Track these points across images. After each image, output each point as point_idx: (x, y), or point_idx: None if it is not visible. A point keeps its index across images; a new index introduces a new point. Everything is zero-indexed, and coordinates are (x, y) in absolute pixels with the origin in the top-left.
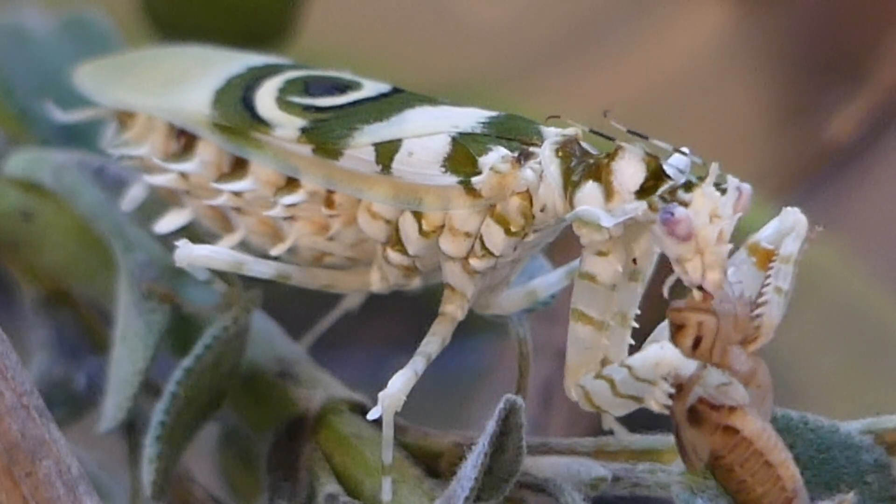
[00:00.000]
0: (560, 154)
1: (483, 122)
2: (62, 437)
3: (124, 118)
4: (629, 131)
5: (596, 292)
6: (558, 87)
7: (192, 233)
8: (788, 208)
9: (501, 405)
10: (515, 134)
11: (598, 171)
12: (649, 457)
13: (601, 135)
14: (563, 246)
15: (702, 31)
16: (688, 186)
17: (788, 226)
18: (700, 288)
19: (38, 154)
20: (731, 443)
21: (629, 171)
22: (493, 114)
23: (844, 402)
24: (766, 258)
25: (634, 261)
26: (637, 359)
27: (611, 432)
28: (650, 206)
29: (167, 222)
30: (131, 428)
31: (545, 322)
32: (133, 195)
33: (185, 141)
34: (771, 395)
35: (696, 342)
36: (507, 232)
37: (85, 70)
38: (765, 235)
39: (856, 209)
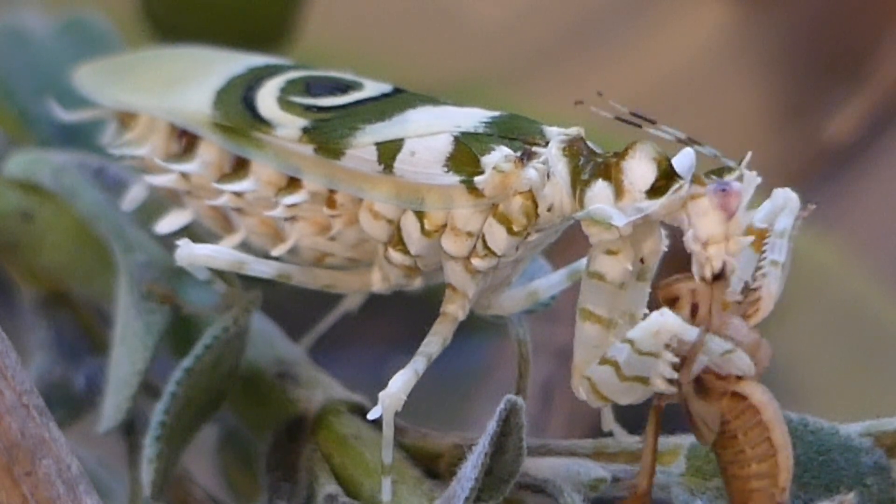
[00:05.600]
0: (567, 153)
1: (485, 122)
2: (62, 436)
3: (126, 119)
4: (632, 113)
5: (604, 291)
6: (558, 87)
7: (192, 233)
8: (778, 189)
9: (502, 406)
10: (518, 134)
11: (607, 169)
12: None
13: (639, 119)
14: (564, 247)
15: (701, 31)
16: (718, 172)
17: (780, 205)
18: (716, 277)
19: (37, 155)
20: (738, 408)
21: (640, 169)
22: (496, 114)
23: (844, 402)
24: (760, 237)
25: (642, 260)
26: (638, 330)
27: (610, 434)
28: (696, 181)
29: (168, 223)
30: (130, 428)
31: (545, 322)
32: (133, 195)
33: (186, 141)
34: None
35: (693, 311)
36: (510, 232)
37: (85, 71)
38: (758, 217)
39: (856, 209)
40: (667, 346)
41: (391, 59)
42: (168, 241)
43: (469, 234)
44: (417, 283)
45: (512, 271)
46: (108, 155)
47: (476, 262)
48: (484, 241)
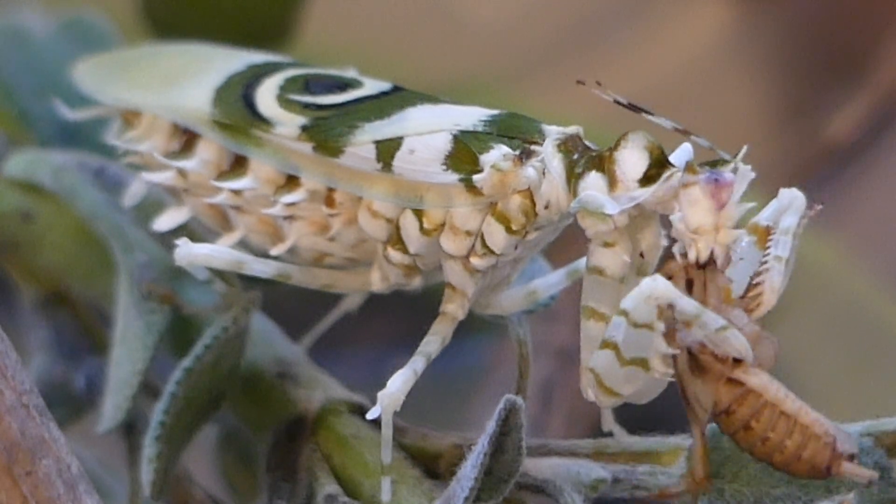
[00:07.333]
0: (562, 149)
1: (485, 121)
2: (62, 436)
3: (130, 117)
4: (630, 104)
5: (605, 286)
6: (558, 87)
7: (191, 232)
8: (785, 189)
9: (501, 405)
10: (517, 132)
11: (600, 162)
12: (649, 459)
13: (637, 108)
14: (564, 247)
15: (702, 31)
16: (713, 164)
17: (786, 204)
18: (702, 266)
19: (37, 155)
20: (736, 393)
21: (632, 159)
22: (495, 112)
23: (844, 402)
24: (765, 235)
25: (642, 255)
26: (630, 298)
27: (610, 434)
28: (689, 170)
29: (166, 220)
30: (130, 429)
31: (545, 322)
32: (134, 191)
33: (185, 139)
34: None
35: (689, 289)
36: (508, 230)
37: (84, 67)
38: (764, 216)
39: (856, 209)
40: (660, 317)
41: (391, 59)
42: (168, 241)
43: (468, 232)
44: (416, 283)
45: (511, 270)
46: (108, 154)
47: (475, 261)
48: (483, 240)
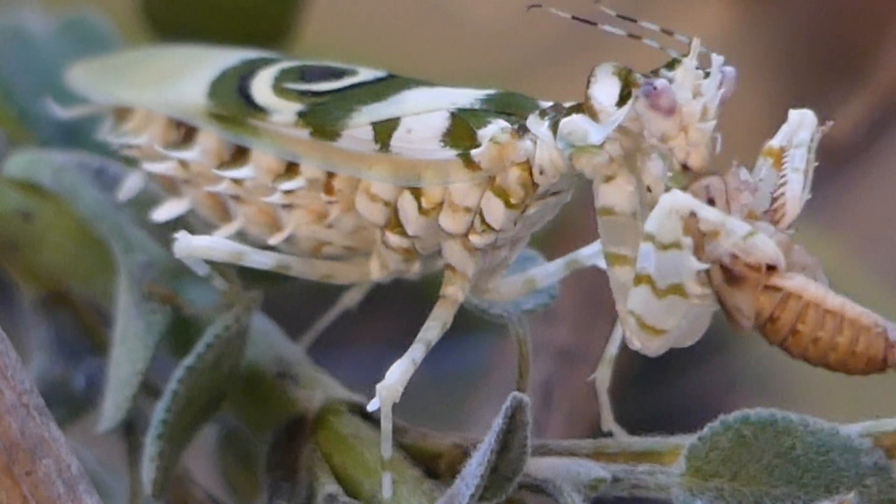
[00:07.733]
0: (543, 115)
1: (482, 99)
2: (62, 436)
3: (122, 112)
4: (618, 16)
5: (619, 225)
6: (558, 87)
7: (190, 228)
8: (793, 110)
9: (508, 403)
10: (514, 109)
11: (578, 106)
12: (649, 458)
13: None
14: (563, 245)
15: (701, 31)
16: (670, 64)
17: (796, 124)
18: (685, 167)
19: (37, 155)
20: (776, 299)
21: (605, 88)
22: (492, 91)
23: (844, 402)
24: (780, 156)
25: (649, 189)
26: (653, 219)
27: (610, 434)
28: (633, 84)
29: (165, 211)
30: (130, 428)
31: (545, 322)
32: (130, 185)
33: (184, 131)
34: (821, 272)
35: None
36: (507, 205)
37: (78, 70)
38: (777, 139)
39: (856, 209)
40: (687, 233)
41: (391, 59)
42: (168, 241)
43: (467, 209)
44: (416, 269)
45: (509, 252)
46: (107, 153)
47: (474, 238)
48: (482, 217)
